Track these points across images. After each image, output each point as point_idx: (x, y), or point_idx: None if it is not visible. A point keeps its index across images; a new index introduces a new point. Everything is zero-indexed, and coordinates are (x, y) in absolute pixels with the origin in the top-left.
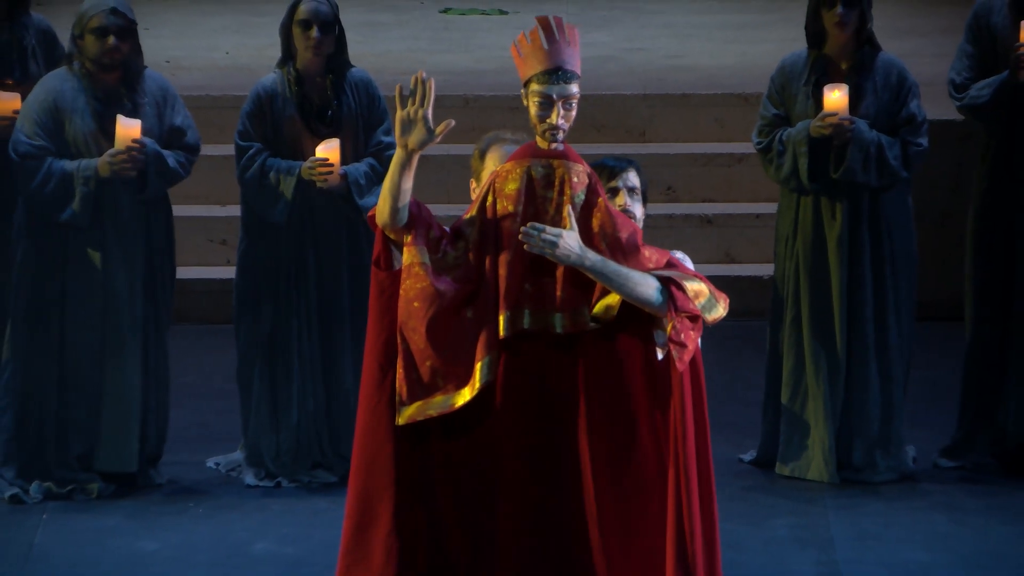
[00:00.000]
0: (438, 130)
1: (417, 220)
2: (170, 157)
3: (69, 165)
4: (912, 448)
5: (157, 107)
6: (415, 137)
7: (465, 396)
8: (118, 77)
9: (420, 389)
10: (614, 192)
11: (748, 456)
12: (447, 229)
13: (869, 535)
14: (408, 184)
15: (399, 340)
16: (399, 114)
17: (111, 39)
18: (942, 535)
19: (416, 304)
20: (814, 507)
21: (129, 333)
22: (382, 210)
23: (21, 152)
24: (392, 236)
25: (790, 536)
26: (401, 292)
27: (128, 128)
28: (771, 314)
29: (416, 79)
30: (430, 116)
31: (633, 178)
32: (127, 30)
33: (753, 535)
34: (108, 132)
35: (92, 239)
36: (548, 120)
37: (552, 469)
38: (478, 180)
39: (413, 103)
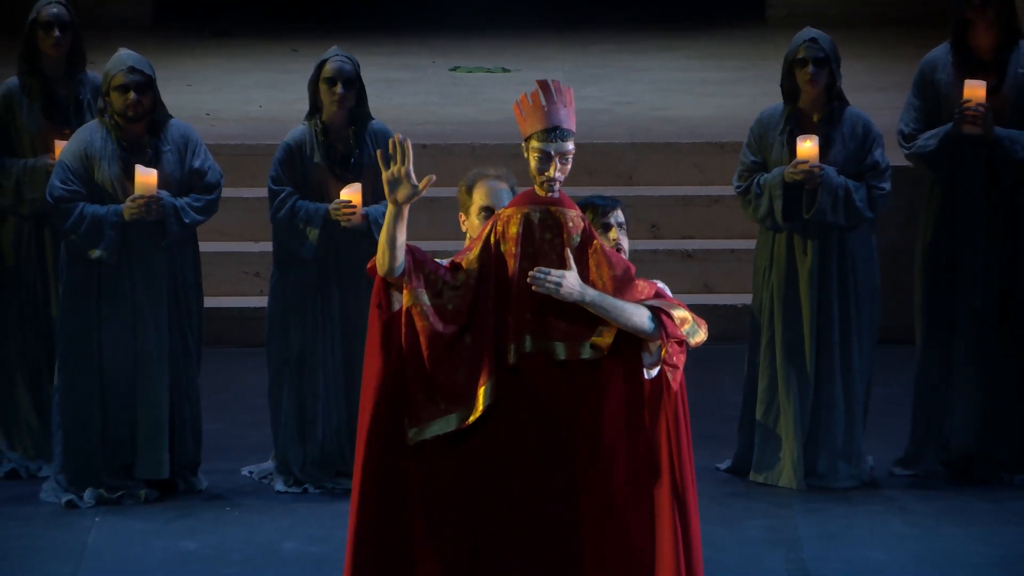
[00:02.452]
0: (421, 184)
1: (413, 265)
2: (188, 210)
3: (100, 209)
4: (871, 458)
5: (179, 153)
6: (402, 192)
7: (469, 417)
8: (143, 127)
9: (427, 412)
10: (606, 228)
11: (724, 465)
12: (444, 263)
13: (833, 535)
14: (402, 234)
15: (407, 371)
16: (384, 175)
17: (132, 94)
18: (897, 535)
19: (420, 338)
20: (784, 510)
21: (155, 357)
22: (381, 261)
23: (56, 196)
24: (391, 281)
25: (762, 537)
26: (404, 330)
27: (145, 176)
28: (749, 338)
29: (393, 142)
30: (412, 172)
31: (620, 215)
32: (145, 85)
33: (729, 536)
34: (132, 177)
35: (121, 274)
36: (547, 173)
37: (545, 482)
38: (466, 213)
39: (395, 163)
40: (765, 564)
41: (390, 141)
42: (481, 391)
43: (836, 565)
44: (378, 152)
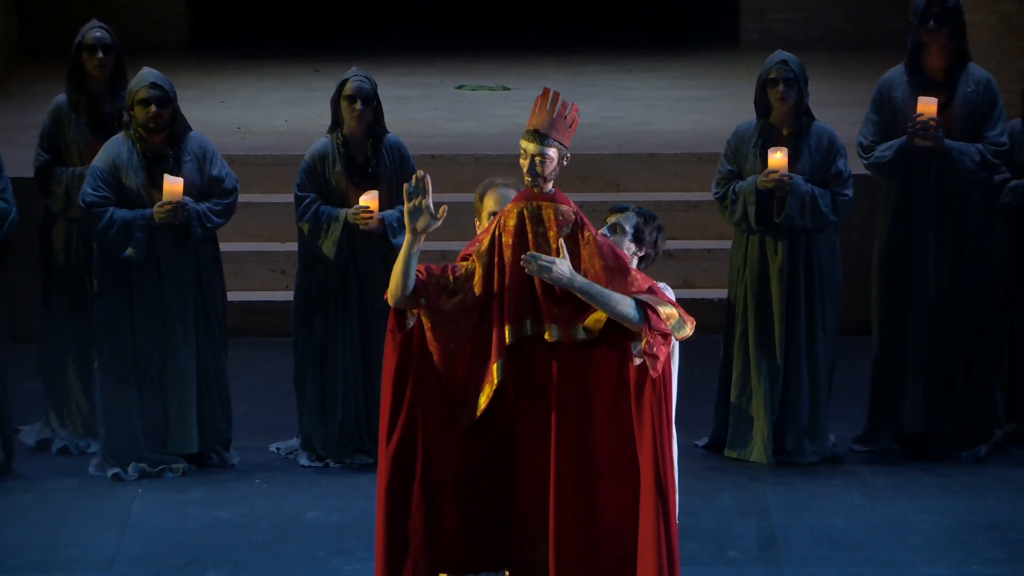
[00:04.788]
0: (439, 214)
1: (420, 286)
2: (210, 215)
3: (128, 214)
4: (833, 436)
5: (198, 162)
6: (422, 222)
7: (488, 393)
8: (164, 138)
9: (474, 402)
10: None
11: (701, 442)
12: (451, 265)
13: (799, 506)
14: (414, 264)
15: (444, 382)
16: (406, 206)
17: (152, 108)
18: (856, 505)
19: (452, 346)
20: (755, 483)
21: (183, 346)
22: (394, 291)
23: (88, 201)
24: (403, 308)
25: (735, 507)
26: (431, 349)
27: (172, 184)
28: (724, 329)
29: (416, 178)
30: (431, 204)
31: (624, 219)
32: (165, 99)
33: (705, 506)
34: (156, 184)
35: (150, 272)
36: (522, 167)
37: (537, 457)
38: (480, 217)
39: (416, 196)
40: (737, 531)
41: (413, 177)
42: (494, 367)
43: (801, 532)
44: (404, 186)
